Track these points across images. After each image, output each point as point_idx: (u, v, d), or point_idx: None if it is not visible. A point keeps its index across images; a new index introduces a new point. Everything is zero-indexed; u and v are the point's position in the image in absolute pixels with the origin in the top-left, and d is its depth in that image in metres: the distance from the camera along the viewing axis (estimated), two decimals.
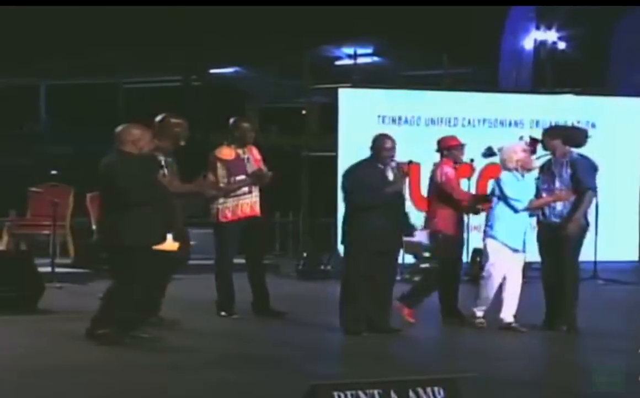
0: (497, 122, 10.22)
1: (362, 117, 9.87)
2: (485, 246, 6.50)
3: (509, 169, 6.51)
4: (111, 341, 5.67)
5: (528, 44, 11.53)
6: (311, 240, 10.39)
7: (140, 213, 5.60)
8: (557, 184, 6.46)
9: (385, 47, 13.30)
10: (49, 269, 8.11)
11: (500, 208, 6.47)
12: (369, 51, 13.21)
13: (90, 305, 5.98)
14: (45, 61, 14.06)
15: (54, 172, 11.03)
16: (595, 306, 7.62)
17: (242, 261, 6.90)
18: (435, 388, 3.87)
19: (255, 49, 13.72)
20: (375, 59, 13.38)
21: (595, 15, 11.56)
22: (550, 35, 11.84)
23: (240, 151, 6.63)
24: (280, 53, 13.35)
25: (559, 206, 6.42)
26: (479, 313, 6.49)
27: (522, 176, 6.52)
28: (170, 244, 5.92)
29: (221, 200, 6.57)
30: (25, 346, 5.76)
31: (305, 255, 9.57)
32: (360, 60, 12.76)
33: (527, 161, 6.52)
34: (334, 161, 9.87)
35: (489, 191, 6.76)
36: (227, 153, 6.61)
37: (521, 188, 6.50)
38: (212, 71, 14.71)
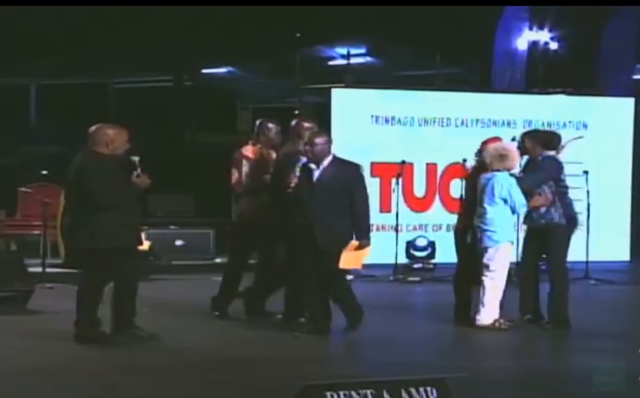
0: (490, 122, 10.23)
1: (355, 118, 9.86)
2: (496, 250, 6.33)
3: (507, 170, 6.42)
4: (101, 341, 5.63)
5: (521, 44, 11.55)
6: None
7: (111, 215, 5.55)
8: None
9: (379, 47, 13.30)
10: (39, 269, 8.07)
11: (499, 209, 6.37)
12: (362, 51, 13.21)
13: None
14: (36, 60, 14.00)
15: (44, 172, 10.96)
16: (587, 306, 7.63)
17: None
18: (428, 389, 3.86)
19: (247, 48, 13.69)
20: (369, 59, 13.38)
21: (588, 15, 11.59)
22: (543, 36, 11.87)
23: (264, 152, 6.65)
24: (273, 53, 13.33)
25: (541, 208, 6.45)
26: (490, 319, 6.36)
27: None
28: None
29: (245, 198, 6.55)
30: (14, 346, 5.72)
31: None
32: (354, 60, 12.77)
33: (513, 165, 6.51)
34: None
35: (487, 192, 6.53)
36: (252, 151, 6.63)
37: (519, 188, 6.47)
38: (204, 70, 14.68)
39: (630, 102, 10.78)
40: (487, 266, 6.37)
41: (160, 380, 5.00)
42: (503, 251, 6.38)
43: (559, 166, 6.56)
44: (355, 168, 6.15)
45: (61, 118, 14.62)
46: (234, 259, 6.74)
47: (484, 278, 6.37)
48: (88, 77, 14.76)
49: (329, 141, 6.07)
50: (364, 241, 5.94)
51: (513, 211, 6.40)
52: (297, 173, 5.98)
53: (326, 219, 5.87)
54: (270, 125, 6.70)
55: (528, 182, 6.47)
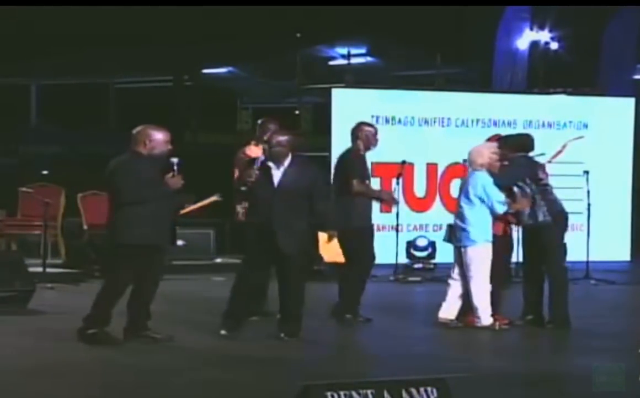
0: (491, 122, 10.23)
1: (356, 118, 9.80)
2: (473, 250, 6.34)
3: (475, 169, 6.42)
4: (102, 341, 5.64)
5: (522, 44, 11.56)
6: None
7: (137, 212, 5.56)
8: (515, 188, 6.52)
9: (379, 47, 13.31)
10: (40, 269, 8.07)
11: (476, 209, 6.36)
12: (363, 51, 13.22)
13: (82, 305, 5.94)
14: (36, 61, 14.01)
15: (45, 172, 10.96)
16: (587, 306, 7.63)
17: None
18: (428, 389, 3.86)
19: (247, 48, 13.70)
20: (369, 59, 13.39)
21: (589, 15, 11.60)
22: (544, 36, 11.88)
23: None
24: (273, 53, 13.34)
25: (526, 209, 6.46)
26: (489, 319, 6.36)
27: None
28: None
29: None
30: (14, 346, 5.72)
31: None
32: (354, 60, 12.77)
33: (493, 165, 6.45)
34: (327, 161, 9.86)
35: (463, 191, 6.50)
36: (255, 152, 6.66)
37: (496, 187, 6.44)
38: (205, 71, 14.68)
39: (630, 102, 10.79)
40: (468, 269, 6.35)
41: (160, 380, 5.00)
42: (481, 251, 6.36)
43: (531, 164, 6.59)
44: (314, 166, 6.16)
45: (61, 118, 14.63)
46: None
47: (469, 281, 6.34)
48: (88, 77, 14.77)
49: (290, 142, 5.97)
50: (332, 231, 6.01)
51: (491, 209, 6.36)
52: (257, 171, 5.93)
53: (287, 222, 5.81)
54: (272, 125, 6.72)
55: (502, 180, 6.46)
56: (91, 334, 5.67)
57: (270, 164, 5.91)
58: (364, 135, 6.66)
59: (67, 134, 13.71)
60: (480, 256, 6.36)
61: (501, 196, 6.39)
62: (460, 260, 6.44)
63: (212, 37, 13.75)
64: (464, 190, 6.47)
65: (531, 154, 6.73)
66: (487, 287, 6.38)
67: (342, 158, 6.73)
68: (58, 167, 11.97)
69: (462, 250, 6.39)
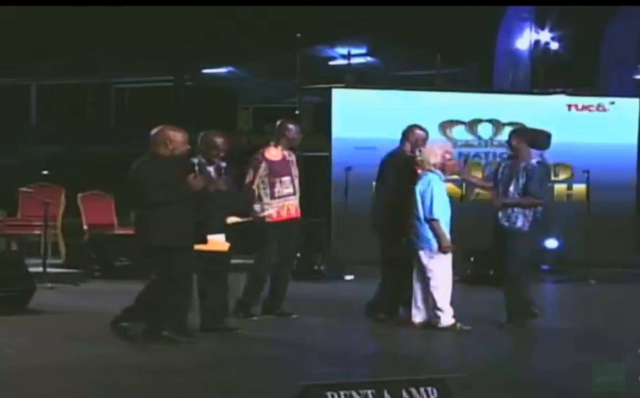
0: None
1: (356, 118, 9.87)
2: (430, 252, 6.21)
3: (428, 170, 6.26)
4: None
5: (523, 44, 11.56)
6: (304, 240, 10.37)
7: (161, 214, 5.54)
8: (512, 188, 6.32)
9: (379, 47, 13.32)
10: (40, 269, 8.08)
11: (445, 214, 6.24)
12: (363, 51, 13.23)
13: (82, 305, 5.95)
14: (36, 61, 14.02)
15: (45, 172, 10.98)
16: (587, 306, 7.62)
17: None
18: (429, 389, 3.86)
19: (248, 48, 13.71)
20: (369, 59, 13.40)
21: (589, 15, 11.61)
22: (545, 36, 11.89)
23: (286, 153, 6.67)
24: (274, 53, 13.35)
25: (509, 210, 6.30)
26: (451, 319, 6.28)
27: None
28: (220, 243, 5.90)
29: (267, 199, 6.58)
30: (14, 346, 5.72)
31: (298, 255, 9.55)
32: (354, 60, 12.79)
33: (447, 165, 6.31)
34: (327, 161, 9.87)
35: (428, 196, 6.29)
36: (274, 153, 6.65)
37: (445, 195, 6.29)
38: (205, 70, 14.69)
39: (635, 102, 10.77)
40: (430, 270, 6.27)
41: (160, 380, 5.01)
42: (438, 254, 6.26)
43: (548, 177, 6.52)
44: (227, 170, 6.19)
45: (61, 118, 14.63)
46: (265, 259, 6.69)
47: (430, 282, 6.26)
48: (88, 77, 14.77)
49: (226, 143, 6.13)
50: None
51: (426, 212, 6.16)
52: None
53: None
54: (291, 126, 6.71)
55: (538, 191, 6.28)
56: (121, 327, 5.64)
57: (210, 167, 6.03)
58: (414, 138, 6.55)
59: (67, 134, 13.71)
60: (438, 260, 6.25)
61: (444, 205, 6.19)
62: (420, 262, 6.29)
63: (212, 37, 13.76)
64: (420, 192, 6.27)
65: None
66: (450, 287, 6.30)
67: (382, 159, 6.66)
68: (58, 167, 11.98)
69: (424, 252, 6.24)
